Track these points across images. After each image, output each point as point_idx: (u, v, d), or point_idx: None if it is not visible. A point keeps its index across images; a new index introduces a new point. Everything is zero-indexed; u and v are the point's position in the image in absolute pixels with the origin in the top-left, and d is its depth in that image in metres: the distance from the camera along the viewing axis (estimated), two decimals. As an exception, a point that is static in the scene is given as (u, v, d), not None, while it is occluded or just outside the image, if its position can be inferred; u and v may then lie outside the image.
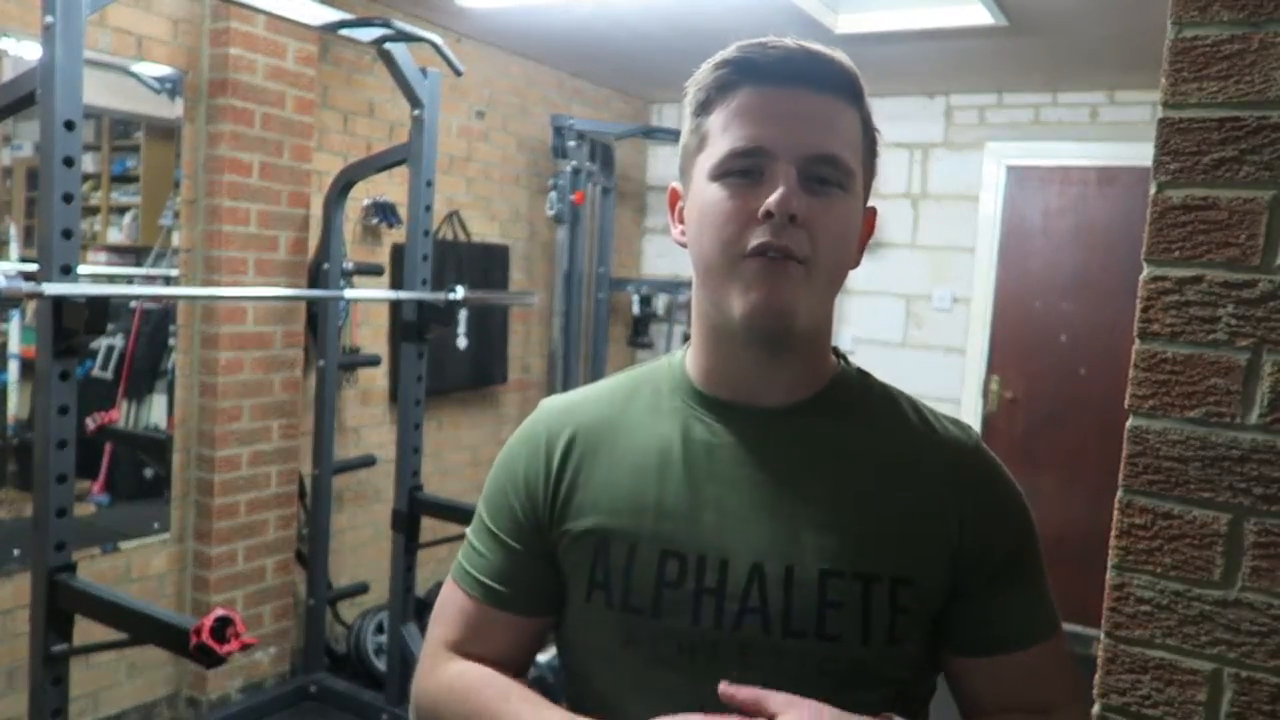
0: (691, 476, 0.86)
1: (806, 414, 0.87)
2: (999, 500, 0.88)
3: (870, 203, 0.90)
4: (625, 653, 0.85)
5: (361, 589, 3.61)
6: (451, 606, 0.95)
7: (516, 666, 0.95)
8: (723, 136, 0.82)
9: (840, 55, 0.84)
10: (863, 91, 0.85)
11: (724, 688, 0.78)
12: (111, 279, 2.91)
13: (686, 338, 0.94)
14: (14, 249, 2.64)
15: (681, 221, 0.89)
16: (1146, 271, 0.97)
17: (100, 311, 1.99)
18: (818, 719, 0.75)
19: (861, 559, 0.82)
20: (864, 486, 0.85)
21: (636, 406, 0.92)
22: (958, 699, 0.90)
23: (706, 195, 0.83)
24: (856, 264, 0.89)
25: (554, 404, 0.97)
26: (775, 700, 0.77)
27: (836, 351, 0.94)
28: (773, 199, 0.78)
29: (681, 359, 0.93)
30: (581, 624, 0.89)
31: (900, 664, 0.83)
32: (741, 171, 0.81)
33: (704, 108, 0.85)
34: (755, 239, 0.79)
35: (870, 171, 0.88)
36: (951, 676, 0.88)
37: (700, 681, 0.82)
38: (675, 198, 0.91)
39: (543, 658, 3.32)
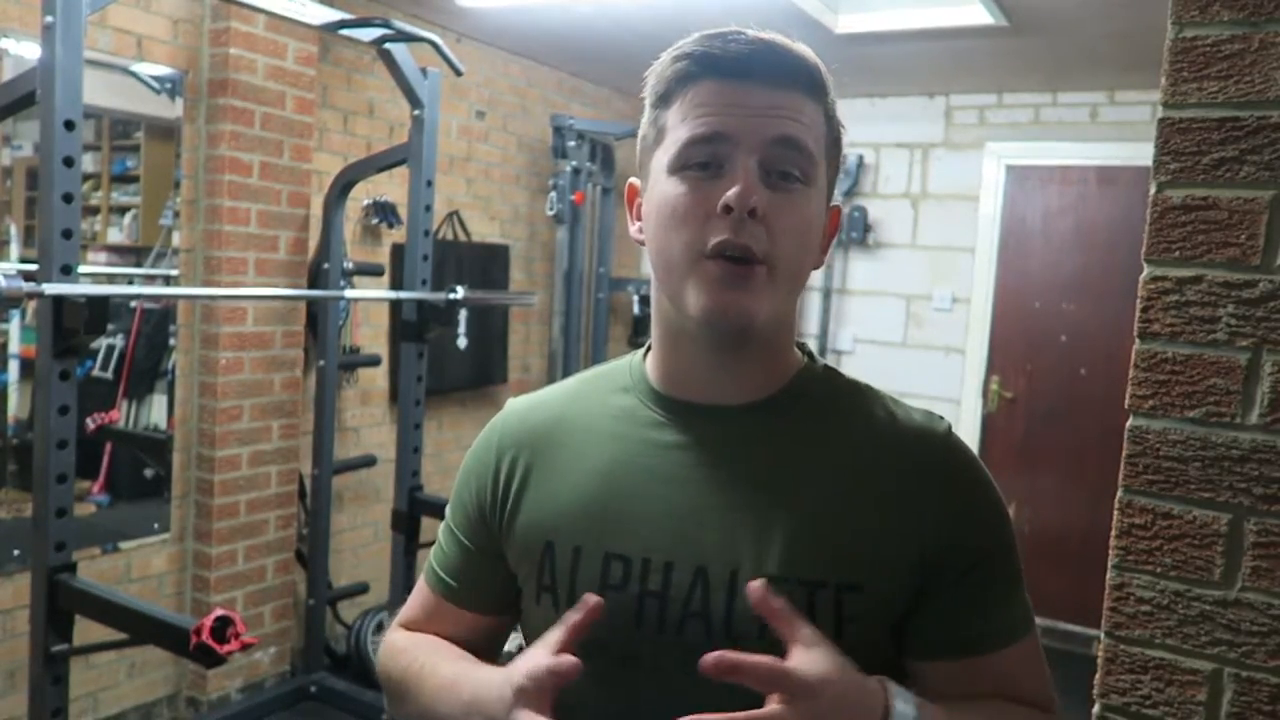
0: (642, 477, 0.85)
1: (764, 413, 0.85)
2: (968, 497, 0.84)
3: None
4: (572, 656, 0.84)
5: (361, 589, 3.61)
6: (417, 594, 1.00)
7: None
8: (681, 128, 0.80)
9: (804, 49, 0.82)
10: (826, 86, 0.82)
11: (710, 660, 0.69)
12: (111, 279, 2.91)
13: None
14: (14, 249, 2.64)
15: (640, 218, 0.87)
16: (1146, 271, 0.96)
17: (100, 311, 1.99)
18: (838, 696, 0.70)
19: (807, 564, 0.79)
20: (818, 489, 0.82)
21: (592, 406, 0.91)
22: None
23: (665, 190, 0.81)
24: (819, 264, 0.87)
25: (515, 405, 0.99)
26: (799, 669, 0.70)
27: (804, 348, 0.92)
28: (731, 193, 0.76)
29: (642, 358, 0.92)
30: (534, 627, 0.88)
31: None
32: (701, 164, 0.79)
33: (663, 100, 0.83)
34: (715, 236, 0.77)
35: (834, 168, 0.85)
36: (918, 680, 0.83)
37: (645, 686, 0.81)
38: (633, 194, 0.88)
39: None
